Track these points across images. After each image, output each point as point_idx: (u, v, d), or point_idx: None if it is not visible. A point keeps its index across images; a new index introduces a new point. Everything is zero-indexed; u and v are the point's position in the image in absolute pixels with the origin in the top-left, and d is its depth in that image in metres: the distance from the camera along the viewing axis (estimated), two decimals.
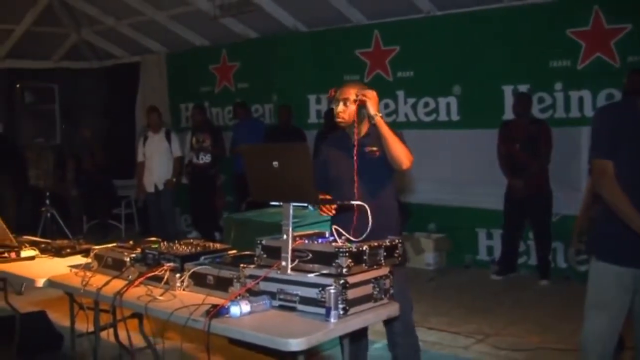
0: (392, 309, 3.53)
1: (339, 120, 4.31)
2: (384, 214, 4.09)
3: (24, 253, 5.21)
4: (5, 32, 12.36)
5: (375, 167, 4.26)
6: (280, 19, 10.36)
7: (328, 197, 4.19)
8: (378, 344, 5.59)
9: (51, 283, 4.44)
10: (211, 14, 10.56)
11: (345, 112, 4.26)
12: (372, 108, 4.17)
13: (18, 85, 10.97)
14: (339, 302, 3.16)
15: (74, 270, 4.50)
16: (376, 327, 4.61)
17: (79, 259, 4.90)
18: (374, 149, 4.25)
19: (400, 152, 4.12)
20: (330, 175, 4.43)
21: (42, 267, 4.84)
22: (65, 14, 12.37)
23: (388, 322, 4.26)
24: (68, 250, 5.19)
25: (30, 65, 12.98)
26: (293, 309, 3.33)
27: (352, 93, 4.24)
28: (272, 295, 3.41)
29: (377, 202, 4.02)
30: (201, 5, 10.55)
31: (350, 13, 9.78)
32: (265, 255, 3.60)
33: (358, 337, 4.32)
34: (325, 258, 3.32)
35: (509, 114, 8.36)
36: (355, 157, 4.22)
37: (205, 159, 10.63)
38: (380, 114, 4.18)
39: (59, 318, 6.30)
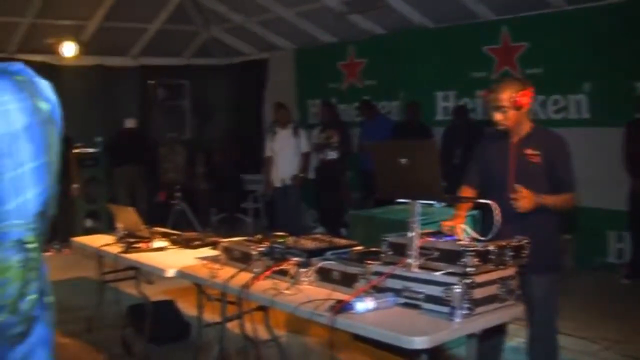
0: (517, 311, 3.47)
1: (500, 126, 4.17)
2: (538, 219, 4.00)
3: (156, 244, 5.40)
4: (138, 31, 12.81)
5: (533, 172, 4.09)
6: (407, 15, 10.30)
7: (469, 194, 4.16)
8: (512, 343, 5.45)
9: (180, 274, 4.57)
10: (338, 11, 10.62)
11: (504, 118, 4.11)
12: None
13: (151, 82, 11.36)
14: (464, 301, 3.12)
15: (202, 262, 4.62)
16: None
17: (207, 251, 5.03)
18: (535, 152, 4.10)
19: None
20: (483, 174, 4.36)
21: (172, 258, 5.00)
22: (196, 13, 12.69)
23: (530, 325, 4.19)
24: (197, 243, 5.33)
25: (163, 63, 13.40)
26: (417, 307, 3.31)
27: (505, 99, 4.07)
28: (397, 292, 3.41)
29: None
30: (328, 2, 10.61)
31: (478, 9, 9.62)
32: (391, 252, 3.59)
33: (489, 336, 4.23)
34: (452, 256, 3.28)
35: None
36: (511, 159, 4.13)
37: (332, 155, 10.69)
38: None
39: (187, 308, 6.48)
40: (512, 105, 4.04)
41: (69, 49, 11.79)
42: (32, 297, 1.72)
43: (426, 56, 10.51)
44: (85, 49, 12.05)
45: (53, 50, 11.84)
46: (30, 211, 1.69)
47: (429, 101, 10.48)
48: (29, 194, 1.65)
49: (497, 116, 4.12)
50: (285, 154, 10.39)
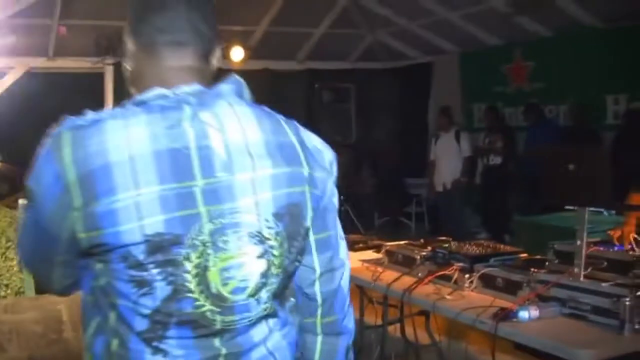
0: None
1: None
2: None
3: None
4: (304, 36, 13.08)
5: None
6: (576, 16, 9.98)
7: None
8: None
9: None
10: (504, 13, 10.44)
11: None
12: None
13: (317, 86, 11.59)
14: (635, 315, 3.00)
15: (365, 264, 4.66)
16: None
17: (370, 254, 5.06)
18: None
19: None
20: None
21: None
22: (360, 17, 12.81)
23: None
24: (360, 245, 5.36)
25: (328, 67, 13.61)
26: (583, 318, 3.21)
27: None
28: (562, 302, 3.32)
29: None
30: (495, 4, 10.46)
31: None
32: (557, 261, 3.52)
33: None
34: (622, 267, 3.18)
35: None
36: None
37: (496, 160, 10.53)
38: None
39: None
40: None
41: (237, 54, 12.20)
42: None
43: (596, 58, 10.15)
44: (253, 53, 12.44)
45: (222, 55, 12.26)
46: None
47: (599, 105, 10.11)
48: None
49: None
50: (447, 158, 10.35)
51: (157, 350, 1.53)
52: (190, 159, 1.49)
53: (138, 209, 1.43)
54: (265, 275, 1.58)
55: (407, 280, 4.02)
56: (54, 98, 17.02)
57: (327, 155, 1.82)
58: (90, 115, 1.51)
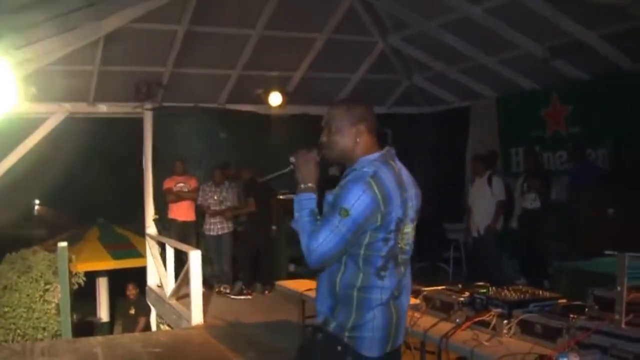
0: None
1: None
2: None
3: None
4: (342, 81, 13.18)
5: None
6: (613, 59, 9.93)
7: None
8: None
9: None
10: (541, 57, 10.43)
11: None
12: None
13: None
14: None
15: None
16: None
17: None
18: None
19: None
20: None
21: None
22: (398, 61, 12.88)
23: None
24: None
25: None
26: None
27: None
28: (604, 349, 3.26)
29: None
30: (531, 49, 10.46)
31: None
32: (597, 307, 3.46)
33: None
34: None
35: None
36: None
37: (534, 204, 10.43)
38: None
39: None
40: None
41: (275, 99, 12.32)
42: None
43: (633, 101, 10.06)
44: (291, 98, 12.55)
45: (261, 100, 12.42)
46: None
47: (637, 148, 9.98)
48: None
49: None
50: (480, 203, 10.31)
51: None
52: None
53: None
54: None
55: (445, 326, 3.99)
56: (93, 142, 17.35)
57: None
58: None
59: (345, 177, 3.19)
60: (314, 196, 3.25)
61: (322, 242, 3.03)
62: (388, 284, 3.13)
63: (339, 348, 3.13)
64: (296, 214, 3.22)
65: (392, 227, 3.07)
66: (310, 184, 3.28)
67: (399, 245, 3.13)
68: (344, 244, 3.03)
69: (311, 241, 3.05)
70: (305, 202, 3.22)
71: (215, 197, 11.51)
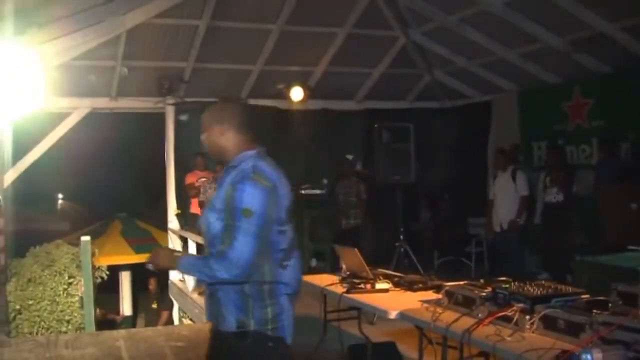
0: None
1: None
2: None
3: (379, 285, 5.47)
4: (363, 76, 13.21)
5: None
6: (635, 51, 9.84)
7: None
8: None
9: (403, 316, 4.61)
10: (563, 51, 10.37)
11: None
12: None
13: (376, 125, 11.63)
14: None
15: (425, 304, 4.62)
16: None
17: (429, 294, 5.01)
18: None
19: None
20: None
21: (394, 300, 5.06)
22: (419, 56, 12.85)
23: None
24: (420, 285, 5.33)
25: (387, 106, 13.69)
26: None
27: None
28: (627, 345, 3.23)
29: None
30: (552, 42, 10.40)
31: None
32: (620, 302, 3.44)
33: None
34: None
35: None
36: None
37: (557, 198, 10.36)
38: None
39: (407, 350, 6.49)
40: None
41: (297, 94, 12.33)
42: None
43: None
44: (312, 93, 12.56)
45: (282, 95, 12.44)
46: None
47: None
48: None
49: None
50: (504, 198, 10.28)
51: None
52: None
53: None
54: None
55: (467, 321, 3.97)
56: (116, 137, 17.45)
57: None
58: None
59: (226, 179, 3.42)
60: (185, 258, 3.54)
61: (240, 248, 3.16)
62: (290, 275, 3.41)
63: (270, 344, 3.31)
64: (196, 274, 3.66)
65: (283, 215, 3.34)
66: (175, 262, 3.45)
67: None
68: (260, 242, 3.20)
69: (227, 256, 3.17)
70: (188, 265, 3.44)
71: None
